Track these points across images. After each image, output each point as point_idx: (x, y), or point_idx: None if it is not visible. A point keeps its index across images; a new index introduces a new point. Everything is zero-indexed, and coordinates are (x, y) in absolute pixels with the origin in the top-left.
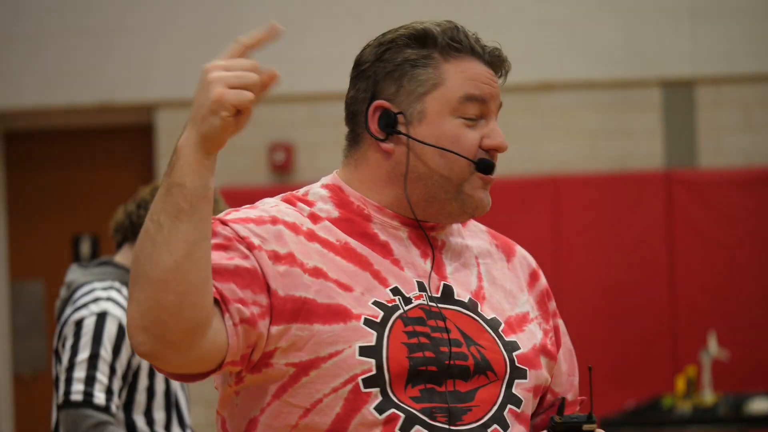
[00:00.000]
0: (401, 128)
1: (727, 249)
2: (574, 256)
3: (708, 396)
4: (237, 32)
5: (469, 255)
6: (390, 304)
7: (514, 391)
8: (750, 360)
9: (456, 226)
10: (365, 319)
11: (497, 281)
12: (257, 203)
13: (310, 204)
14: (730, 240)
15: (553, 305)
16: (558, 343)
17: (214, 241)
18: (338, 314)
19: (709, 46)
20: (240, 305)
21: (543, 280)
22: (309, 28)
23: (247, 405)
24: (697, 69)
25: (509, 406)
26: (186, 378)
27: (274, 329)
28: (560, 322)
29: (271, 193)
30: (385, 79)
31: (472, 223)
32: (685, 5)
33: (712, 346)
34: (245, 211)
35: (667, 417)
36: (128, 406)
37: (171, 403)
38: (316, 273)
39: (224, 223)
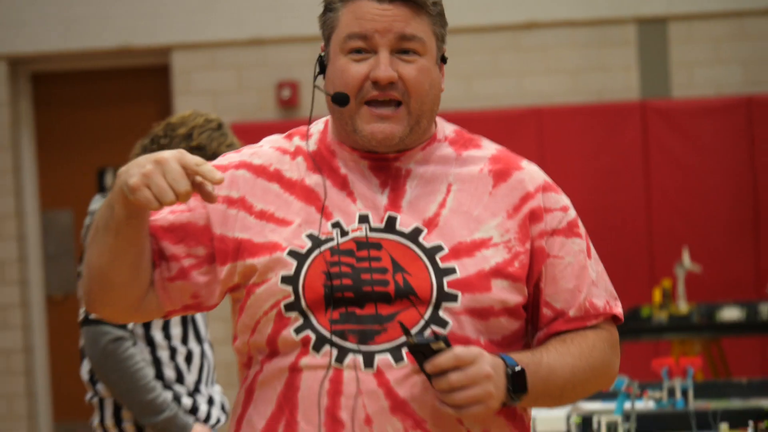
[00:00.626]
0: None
1: (698, 172)
2: (558, 182)
3: (682, 306)
4: None
5: (438, 183)
6: (323, 237)
7: (440, 314)
8: (720, 272)
9: (445, 153)
10: (289, 250)
11: (462, 207)
12: (261, 142)
13: (303, 137)
14: (701, 164)
15: (539, 227)
16: (539, 262)
17: None
18: (268, 248)
19: None
20: (171, 263)
21: (535, 203)
22: None
23: (234, 317)
24: (670, 7)
25: (432, 326)
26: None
27: (223, 269)
28: (562, 243)
29: (279, 128)
30: (322, 24)
31: (478, 149)
32: None
33: (686, 260)
34: (230, 155)
35: (645, 325)
36: (147, 323)
37: (187, 320)
38: (261, 215)
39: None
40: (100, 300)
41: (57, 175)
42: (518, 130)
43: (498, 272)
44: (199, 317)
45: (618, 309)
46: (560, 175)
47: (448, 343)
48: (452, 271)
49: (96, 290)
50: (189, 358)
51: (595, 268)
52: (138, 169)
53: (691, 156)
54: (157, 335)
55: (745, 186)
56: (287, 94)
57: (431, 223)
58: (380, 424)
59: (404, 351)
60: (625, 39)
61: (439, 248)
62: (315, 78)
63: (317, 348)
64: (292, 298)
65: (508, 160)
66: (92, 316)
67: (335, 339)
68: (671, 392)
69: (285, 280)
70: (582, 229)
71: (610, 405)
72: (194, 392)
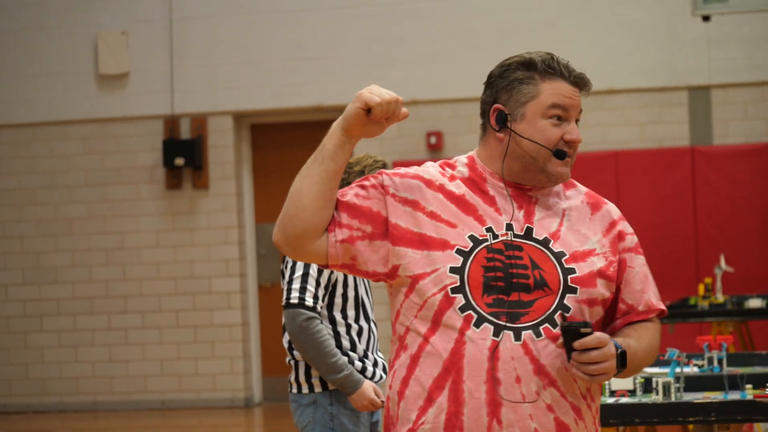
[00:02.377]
0: (510, 124)
1: (732, 198)
2: (630, 207)
3: (719, 297)
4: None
5: (557, 209)
6: (481, 238)
7: (565, 302)
8: (747, 273)
9: (557, 190)
10: (457, 249)
11: (574, 226)
12: (425, 163)
13: (452, 167)
14: (734, 193)
15: (623, 245)
16: (622, 270)
17: (365, 182)
18: (441, 244)
19: (721, 63)
20: (344, 229)
21: (621, 228)
22: (453, 57)
23: (396, 301)
24: (711, 79)
25: (560, 311)
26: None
27: (397, 248)
28: (634, 257)
29: None
30: (502, 90)
31: (575, 188)
32: (704, 35)
33: (722, 263)
34: (404, 169)
35: (692, 311)
36: (330, 307)
37: (359, 304)
38: (432, 216)
39: (381, 173)
40: (291, 218)
41: (268, 198)
42: (602, 168)
43: (601, 274)
44: (367, 302)
45: (663, 306)
46: (632, 201)
47: (591, 328)
48: (573, 271)
49: (292, 211)
50: (360, 332)
51: (650, 276)
52: (356, 96)
53: (727, 187)
54: (338, 315)
55: (767, 209)
56: (434, 140)
57: (555, 236)
58: (526, 382)
59: (542, 328)
60: (679, 101)
61: (563, 254)
62: (511, 128)
63: (478, 324)
64: (458, 284)
65: (597, 197)
66: (292, 300)
67: (492, 318)
68: (710, 361)
69: (453, 270)
70: (641, 248)
71: (665, 369)
72: (363, 357)
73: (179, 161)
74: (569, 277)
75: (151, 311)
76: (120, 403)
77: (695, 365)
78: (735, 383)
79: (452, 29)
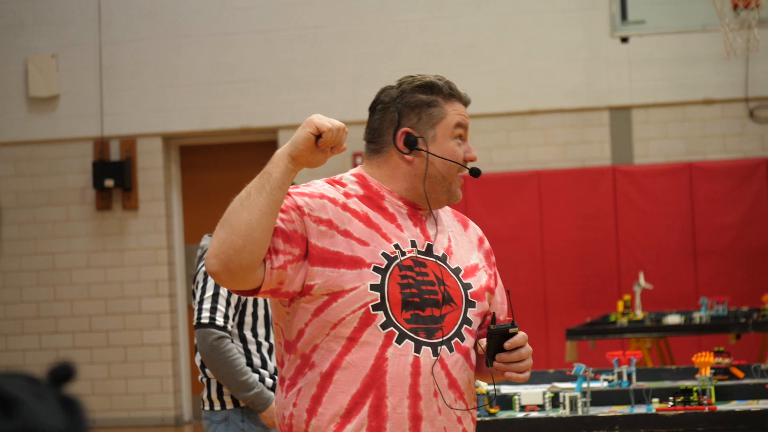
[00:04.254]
0: (422, 146)
1: (653, 217)
2: (552, 226)
3: (639, 313)
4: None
5: (442, 227)
6: (392, 255)
7: (468, 315)
8: (667, 290)
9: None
10: (374, 266)
11: (459, 243)
12: (310, 182)
13: (342, 185)
14: (654, 211)
15: (493, 259)
16: (495, 284)
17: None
18: (357, 263)
19: (642, 83)
20: (280, 256)
21: (487, 244)
22: (379, 79)
23: (297, 320)
24: (632, 99)
25: (464, 326)
26: (236, 292)
27: (314, 269)
28: (497, 271)
29: None
30: (407, 113)
31: (444, 208)
32: (625, 57)
33: (641, 280)
34: (303, 188)
35: (611, 327)
36: (240, 326)
37: (269, 322)
38: (346, 234)
39: (289, 194)
40: (238, 252)
41: (197, 218)
42: (525, 187)
43: (488, 288)
44: None
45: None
46: (554, 220)
47: (515, 325)
48: (470, 286)
49: (240, 244)
50: (270, 350)
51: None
52: (305, 122)
53: (647, 205)
54: (248, 334)
55: (686, 227)
56: (360, 161)
57: (449, 251)
58: (442, 395)
59: (453, 342)
60: (600, 121)
61: (459, 269)
62: (428, 151)
63: (399, 341)
64: (378, 301)
65: (459, 213)
66: (203, 320)
67: (411, 334)
68: (620, 376)
69: (373, 287)
70: None
71: (573, 384)
72: (275, 374)
73: (109, 183)
74: (468, 291)
75: (82, 331)
76: None
77: (604, 380)
78: (641, 398)
79: (378, 51)
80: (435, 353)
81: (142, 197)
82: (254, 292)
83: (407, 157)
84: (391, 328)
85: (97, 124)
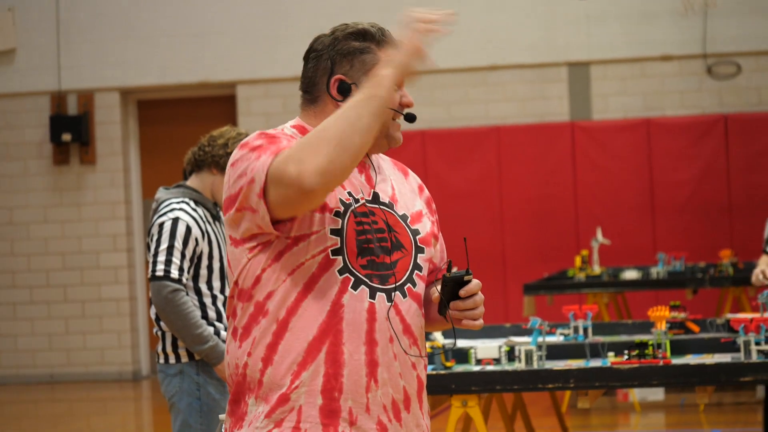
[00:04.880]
0: (354, 93)
1: (611, 172)
2: (510, 180)
3: (596, 269)
4: None
5: (384, 174)
6: (347, 201)
7: (418, 261)
8: (625, 245)
9: (375, 156)
10: (335, 211)
11: (402, 189)
12: (258, 132)
13: (288, 137)
14: (612, 167)
15: (434, 207)
16: (439, 231)
17: (281, 136)
18: (322, 206)
19: (600, 39)
20: None
21: (427, 192)
22: None
23: (255, 265)
24: (591, 54)
25: (416, 271)
26: (286, 216)
27: None
28: (437, 218)
29: None
30: (339, 61)
31: (382, 156)
32: (583, 12)
33: (599, 236)
34: (278, 132)
35: (569, 282)
36: (195, 279)
37: (224, 275)
38: None
39: (278, 134)
40: (343, 171)
41: (155, 173)
42: (484, 143)
43: (433, 234)
44: None
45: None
46: (513, 176)
47: (470, 273)
48: (418, 232)
49: (348, 162)
50: (225, 302)
51: None
52: (408, 37)
53: (605, 161)
54: (203, 287)
55: (644, 183)
56: None
57: (394, 199)
58: (397, 341)
59: (405, 288)
60: (559, 77)
61: (406, 216)
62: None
63: (355, 287)
64: (338, 245)
65: (397, 162)
66: (158, 272)
67: (366, 280)
68: (576, 330)
69: (333, 231)
70: None
71: (529, 339)
72: None
73: (66, 137)
74: (417, 237)
75: (40, 286)
76: (8, 377)
77: (561, 334)
78: (596, 352)
79: (338, 4)
80: (389, 299)
81: (100, 152)
82: (293, 219)
83: (341, 104)
84: (347, 274)
85: (54, 78)
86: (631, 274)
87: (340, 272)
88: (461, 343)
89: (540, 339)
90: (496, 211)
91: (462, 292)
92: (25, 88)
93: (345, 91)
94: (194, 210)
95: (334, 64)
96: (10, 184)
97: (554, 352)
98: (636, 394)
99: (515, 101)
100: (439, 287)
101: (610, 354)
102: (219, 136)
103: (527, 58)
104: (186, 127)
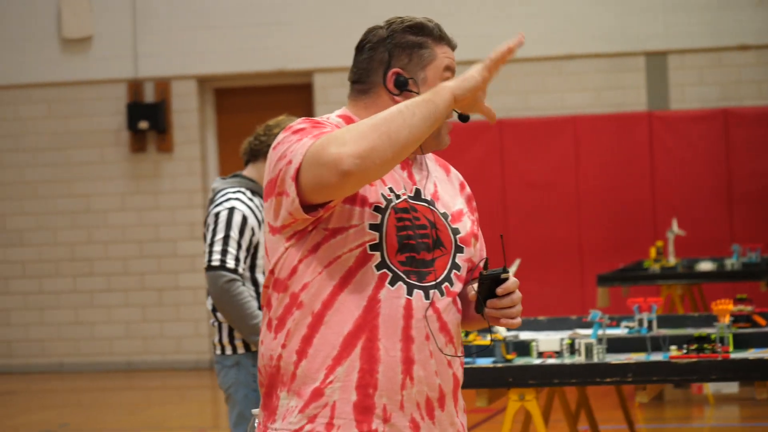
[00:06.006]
0: (413, 88)
1: (688, 163)
2: (587, 171)
3: (671, 260)
4: None
5: (426, 171)
6: (388, 197)
7: (456, 260)
8: (701, 236)
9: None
10: (375, 206)
11: (443, 188)
12: (303, 119)
13: (332, 125)
14: (690, 157)
15: (474, 205)
16: (479, 230)
17: (325, 129)
18: (362, 200)
19: (677, 29)
20: None
21: (468, 189)
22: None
23: (290, 256)
24: (668, 44)
25: (454, 270)
26: (309, 208)
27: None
28: (477, 216)
29: None
30: (398, 54)
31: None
32: (659, 1)
33: (674, 227)
34: (325, 120)
35: (643, 274)
36: (252, 269)
37: None
38: None
39: (323, 122)
40: (385, 164)
41: (232, 161)
42: (560, 132)
43: (473, 234)
44: None
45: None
46: (590, 166)
47: (507, 271)
48: (458, 231)
49: (390, 156)
50: None
51: None
52: (478, 72)
53: (683, 151)
54: (260, 277)
55: (721, 173)
56: None
57: (435, 197)
58: (433, 339)
59: (443, 286)
60: (636, 67)
61: (446, 215)
62: (419, 94)
63: (392, 283)
64: (377, 241)
65: (439, 158)
66: (214, 262)
67: (404, 277)
68: (640, 323)
69: (372, 227)
70: None
71: (590, 331)
72: None
73: (143, 125)
74: (457, 237)
75: (117, 274)
76: (86, 365)
77: (625, 327)
78: (658, 345)
79: None
80: (427, 297)
81: (177, 139)
82: (326, 204)
83: (397, 98)
84: (385, 270)
85: (131, 65)
86: (705, 266)
87: (378, 267)
88: (524, 335)
89: (600, 332)
90: (573, 202)
91: (499, 291)
92: (102, 75)
93: (402, 84)
94: (250, 200)
95: (391, 56)
96: (88, 172)
97: (617, 345)
98: (710, 387)
99: (592, 91)
100: (476, 285)
101: (673, 348)
102: (275, 125)
103: (603, 48)
104: (263, 115)
